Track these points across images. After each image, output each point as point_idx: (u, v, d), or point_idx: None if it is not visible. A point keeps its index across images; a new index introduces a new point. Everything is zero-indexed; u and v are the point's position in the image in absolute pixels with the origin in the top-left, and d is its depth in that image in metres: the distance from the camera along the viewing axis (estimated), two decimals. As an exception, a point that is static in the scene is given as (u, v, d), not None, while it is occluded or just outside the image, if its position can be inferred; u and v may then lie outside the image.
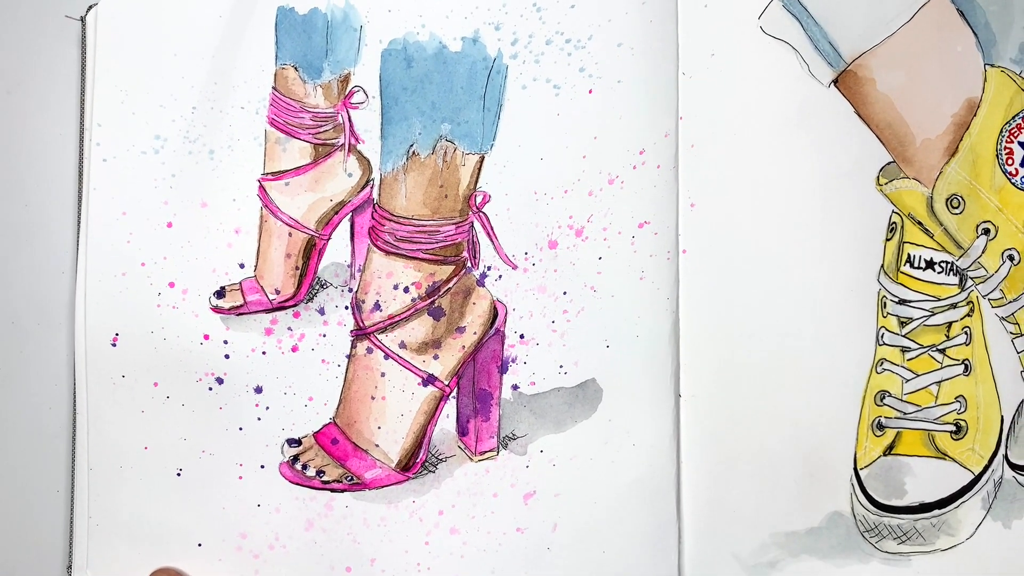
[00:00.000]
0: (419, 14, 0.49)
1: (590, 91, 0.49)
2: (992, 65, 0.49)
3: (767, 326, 0.49)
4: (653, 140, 0.49)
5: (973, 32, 0.49)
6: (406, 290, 0.49)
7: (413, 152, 0.49)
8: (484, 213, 0.49)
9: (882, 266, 0.49)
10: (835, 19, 0.49)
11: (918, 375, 0.49)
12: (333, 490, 0.49)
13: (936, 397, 0.49)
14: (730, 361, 0.49)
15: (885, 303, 0.49)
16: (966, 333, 0.49)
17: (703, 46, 0.49)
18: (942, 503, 0.49)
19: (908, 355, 0.49)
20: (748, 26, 0.49)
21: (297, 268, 0.49)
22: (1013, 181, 0.49)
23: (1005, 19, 0.49)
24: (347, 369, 0.49)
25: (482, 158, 0.49)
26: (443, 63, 0.49)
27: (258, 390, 0.48)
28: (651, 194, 0.49)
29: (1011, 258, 0.49)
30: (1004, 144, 0.49)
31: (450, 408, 0.49)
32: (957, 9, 0.49)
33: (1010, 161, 0.49)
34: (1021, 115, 0.49)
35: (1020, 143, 0.49)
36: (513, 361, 0.49)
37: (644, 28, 0.49)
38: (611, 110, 0.49)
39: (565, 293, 0.49)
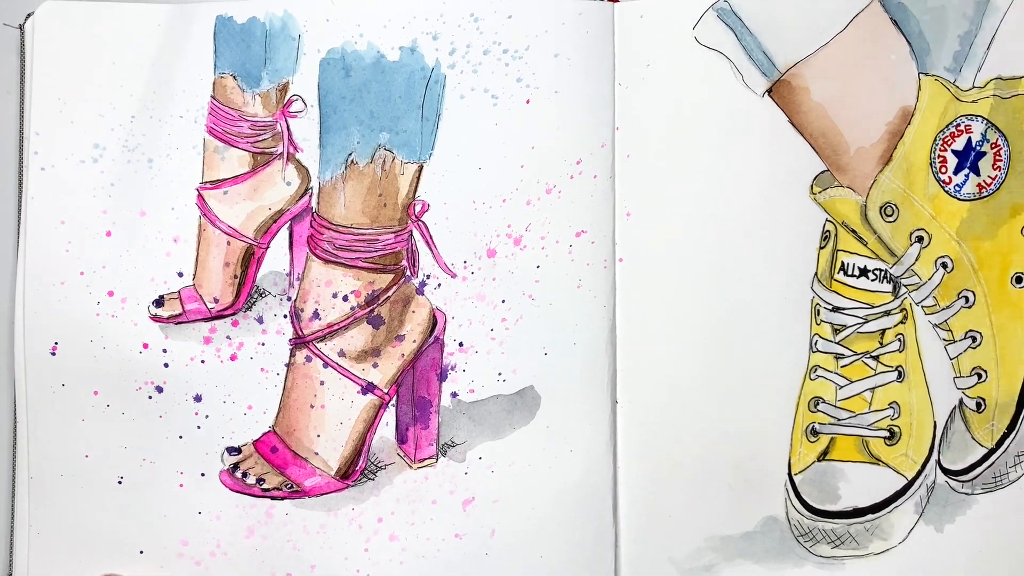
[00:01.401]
0: (357, 23, 0.51)
1: (527, 101, 0.51)
2: (926, 74, 0.51)
3: (702, 333, 0.51)
4: (590, 150, 0.51)
5: (907, 41, 0.51)
6: (345, 299, 0.50)
7: (352, 161, 0.50)
8: (423, 222, 0.50)
9: (816, 274, 0.50)
10: (769, 29, 0.50)
11: (852, 382, 0.51)
12: (273, 498, 0.50)
13: (870, 403, 0.51)
14: (666, 368, 0.51)
15: (819, 311, 0.50)
16: (899, 340, 0.51)
17: (639, 56, 0.51)
18: (875, 508, 0.51)
19: (842, 362, 0.51)
20: (683, 37, 0.51)
21: (236, 277, 0.50)
22: (947, 189, 0.50)
23: (939, 28, 0.51)
24: (286, 377, 0.50)
25: (421, 167, 0.50)
26: (381, 72, 0.50)
27: (197, 398, 0.50)
28: (588, 203, 0.51)
29: (944, 265, 0.50)
30: (938, 152, 0.51)
31: (389, 416, 0.51)
32: (891, 18, 0.51)
33: (944, 169, 0.50)
34: (955, 123, 0.51)
35: (954, 151, 0.51)
36: (452, 369, 0.50)
37: (581, 39, 0.51)
38: (548, 120, 0.51)
39: (504, 301, 0.50)
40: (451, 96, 0.54)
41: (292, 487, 0.53)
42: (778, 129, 0.54)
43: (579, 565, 0.53)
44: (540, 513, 0.53)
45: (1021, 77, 0.54)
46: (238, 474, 0.53)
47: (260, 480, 0.53)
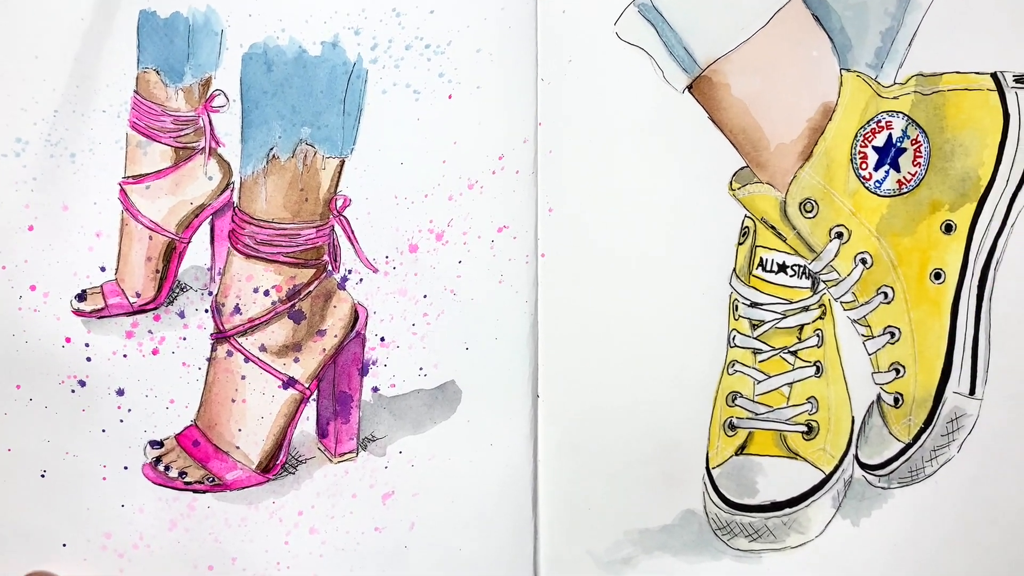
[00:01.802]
0: (279, 19, 0.51)
1: (450, 96, 0.51)
2: (848, 70, 0.52)
3: (623, 328, 0.52)
4: (512, 145, 0.51)
5: (829, 37, 0.51)
6: (266, 293, 0.51)
7: (273, 156, 0.51)
8: (344, 217, 0.51)
9: (734, 269, 0.51)
10: (690, 25, 0.51)
11: (770, 376, 0.51)
12: (195, 491, 0.51)
13: (788, 398, 0.52)
14: (587, 362, 0.52)
15: (737, 306, 0.51)
16: (818, 335, 0.51)
17: (561, 52, 0.51)
18: (793, 502, 0.52)
19: (760, 357, 0.51)
20: (605, 32, 0.51)
21: (158, 271, 0.51)
22: (867, 185, 0.51)
23: (860, 24, 0.51)
24: (208, 372, 0.51)
25: (342, 162, 0.51)
26: (303, 67, 0.51)
27: (120, 392, 0.50)
28: (510, 199, 0.51)
29: (864, 261, 0.51)
30: (859, 148, 0.51)
31: (310, 410, 0.52)
32: (812, 14, 0.51)
33: (864, 165, 0.51)
34: (876, 120, 0.51)
35: (874, 147, 0.51)
36: (373, 364, 0.51)
37: (503, 34, 0.51)
38: (470, 115, 0.51)
39: (425, 296, 0.51)
40: (373, 91, 0.54)
41: (214, 480, 0.54)
42: (698, 125, 0.55)
43: (499, 558, 0.54)
44: (459, 507, 0.54)
45: (942, 74, 0.55)
46: (160, 467, 0.54)
47: (182, 473, 0.54)
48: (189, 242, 0.55)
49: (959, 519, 0.55)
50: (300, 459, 0.55)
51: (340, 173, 0.55)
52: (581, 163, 0.55)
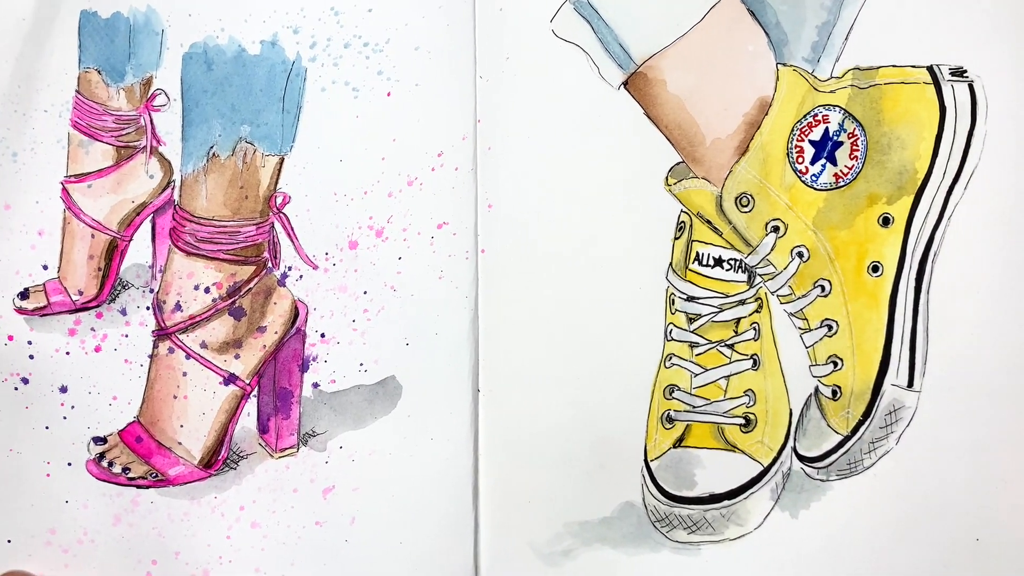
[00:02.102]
0: (218, 18, 0.52)
1: (388, 94, 0.52)
2: (784, 64, 0.52)
3: (562, 323, 0.52)
4: (451, 142, 0.52)
5: (765, 32, 0.52)
6: (207, 290, 0.51)
7: (213, 154, 0.51)
8: (284, 214, 0.52)
9: (671, 264, 0.51)
10: (626, 21, 0.52)
11: (707, 370, 0.52)
12: (139, 486, 0.52)
13: (725, 391, 0.52)
14: (527, 357, 0.52)
15: (674, 300, 0.52)
16: (755, 329, 0.52)
17: (499, 49, 0.52)
18: (731, 494, 0.52)
19: (696, 350, 0.52)
20: (542, 29, 0.52)
21: (100, 269, 0.52)
22: (803, 179, 0.51)
23: (796, 18, 0.52)
24: (150, 369, 0.52)
25: (282, 160, 0.52)
26: (242, 66, 0.52)
27: (63, 390, 0.51)
28: (450, 195, 0.52)
29: (800, 255, 0.51)
30: (795, 142, 0.52)
31: (251, 406, 0.53)
32: (748, 9, 0.52)
33: (800, 159, 0.51)
34: (812, 114, 0.52)
35: (811, 141, 0.52)
36: (314, 360, 0.52)
37: (441, 31, 0.52)
38: (409, 113, 0.52)
39: (365, 292, 0.52)
40: (312, 89, 0.55)
41: (157, 476, 0.55)
42: (635, 121, 0.55)
43: (439, 552, 0.55)
44: (400, 501, 0.55)
45: (879, 67, 0.56)
46: (104, 463, 0.54)
47: (126, 469, 0.54)
48: (131, 240, 0.56)
49: (897, 511, 0.56)
50: (241, 454, 0.56)
51: (280, 171, 0.56)
52: (520, 159, 0.56)
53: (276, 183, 0.56)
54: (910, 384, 0.56)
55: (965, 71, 0.56)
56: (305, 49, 0.56)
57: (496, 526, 0.56)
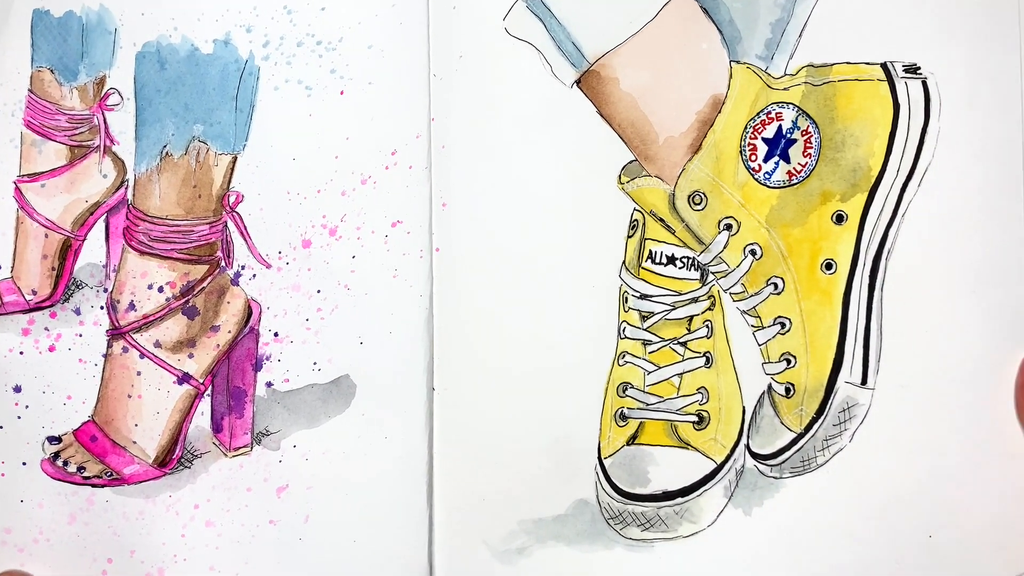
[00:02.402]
0: (171, 17, 0.52)
1: (342, 92, 0.52)
2: (738, 62, 0.52)
3: (517, 321, 0.53)
4: (405, 141, 0.52)
5: (718, 29, 0.52)
6: (160, 290, 0.52)
7: (167, 153, 0.52)
8: (237, 213, 0.52)
9: (624, 262, 0.51)
10: (578, 19, 0.52)
11: (660, 367, 0.52)
12: (94, 485, 0.52)
13: (678, 388, 0.52)
14: (482, 355, 0.53)
15: (627, 298, 0.52)
16: (707, 326, 0.52)
17: (452, 48, 0.52)
18: (685, 491, 0.53)
19: (649, 348, 0.52)
20: (495, 28, 0.52)
21: (53, 269, 0.52)
22: (756, 177, 0.52)
23: (750, 15, 0.52)
24: (104, 368, 0.52)
25: (235, 158, 0.52)
26: (195, 65, 0.52)
27: (17, 389, 0.51)
28: (403, 194, 0.52)
29: (753, 253, 0.52)
30: (748, 140, 0.52)
31: (205, 405, 0.53)
32: (701, 7, 0.52)
33: (753, 157, 0.52)
34: (766, 111, 0.52)
35: (764, 139, 0.52)
36: (267, 359, 0.52)
37: (394, 30, 0.52)
38: (363, 111, 0.52)
39: (319, 291, 0.52)
40: (265, 88, 0.55)
41: (112, 475, 0.55)
42: (587, 119, 0.55)
43: (393, 549, 0.55)
44: (354, 500, 0.55)
45: (833, 64, 0.56)
46: (59, 463, 0.55)
47: (81, 468, 0.55)
48: (84, 239, 0.56)
49: (851, 508, 0.56)
50: (196, 453, 0.56)
51: (232, 169, 0.56)
52: (474, 158, 0.56)
53: (229, 182, 0.56)
54: (864, 382, 0.56)
55: (919, 68, 0.56)
56: (258, 48, 0.56)
57: (451, 524, 0.56)
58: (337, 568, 0.56)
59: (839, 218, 0.56)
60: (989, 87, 0.56)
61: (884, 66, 0.56)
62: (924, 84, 0.56)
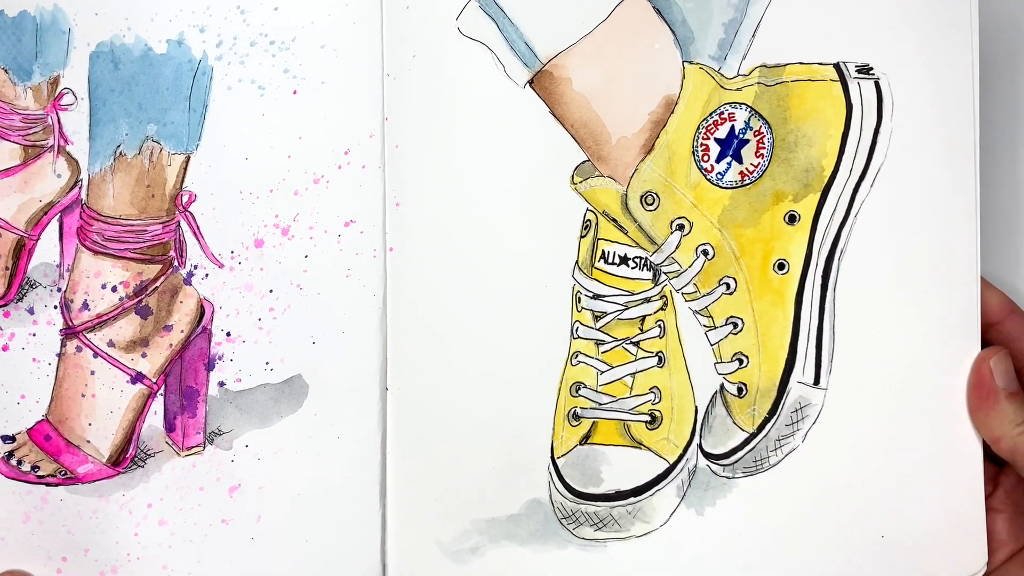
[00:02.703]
0: (125, 17, 0.53)
1: (295, 92, 0.52)
2: (690, 62, 0.52)
3: (471, 321, 0.53)
4: (358, 140, 0.53)
5: (671, 29, 0.52)
6: (114, 289, 0.52)
7: (120, 153, 0.52)
8: (190, 212, 0.52)
9: (577, 262, 0.52)
10: (531, 19, 0.52)
11: (612, 367, 0.53)
12: (48, 484, 0.52)
13: (631, 388, 0.53)
14: (436, 355, 0.53)
15: (580, 298, 0.52)
16: (660, 326, 0.52)
17: (406, 47, 0.52)
18: (637, 491, 0.53)
19: (602, 348, 0.52)
20: (448, 27, 0.53)
21: (7, 268, 0.52)
22: (709, 177, 0.52)
23: (703, 16, 0.52)
24: (58, 367, 0.52)
25: (188, 158, 0.52)
26: (149, 65, 0.52)
27: (-29, 388, 0.52)
28: (357, 193, 0.53)
29: (705, 253, 0.52)
30: (701, 141, 0.52)
31: (158, 405, 0.53)
32: (654, 7, 0.52)
33: (706, 157, 0.52)
34: (718, 111, 0.52)
35: (716, 139, 0.52)
36: (220, 359, 0.52)
37: (347, 30, 0.53)
38: (316, 110, 0.53)
39: (271, 291, 0.52)
40: (218, 87, 0.55)
41: (66, 474, 0.55)
42: (540, 119, 0.55)
43: (347, 550, 0.56)
44: (306, 500, 0.56)
45: (786, 64, 0.56)
46: (13, 462, 0.55)
47: (35, 467, 0.55)
48: (38, 239, 0.57)
49: (803, 508, 0.57)
50: (149, 453, 0.56)
51: (186, 169, 0.56)
52: (427, 157, 0.56)
53: (182, 182, 0.56)
54: (816, 382, 0.57)
55: (871, 68, 0.57)
56: (211, 48, 0.56)
57: (403, 524, 0.57)
58: (289, 568, 0.57)
59: (791, 218, 0.57)
60: (941, 87, 0.56)
61: (837, 66, 0.57)
62: (877, 84, 0.56)
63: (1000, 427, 0.55)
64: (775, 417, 0.57)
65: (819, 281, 0.57)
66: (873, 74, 0.56)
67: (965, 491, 0.57)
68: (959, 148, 0.56)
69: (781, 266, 0.57)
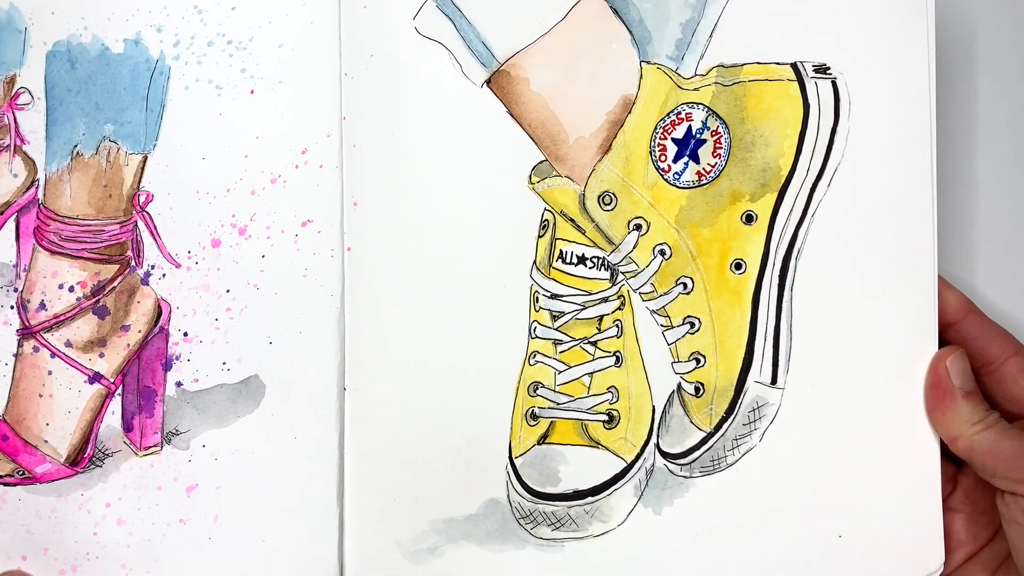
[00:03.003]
0: (82, 16, 0.53)
1: (252, 91, 0.53)
2: (648, 62, 0.52)
3: (429, 321, 0.53)
4: (316, 140, 0.53)
5: (628, 29, 0.52)
6: (71, 289, 0.52)
7: (77, 152, 0.52)
8: (148, 212, 0.52)
9: (534, 262, 0.52)
10: (488, 19, 0.52)
11: (570, 367, 0.53)
12: (6, 484, 0.53)
13: (588, 388, 0.53)
14: (394, 355, 0.54)
15: (537, 298, 0.52)
16: (617, 326, 0.53)
17: (363, 47, 0.52)
18: (595, 491, 0.53)
19: (560, 347, 0.53)
20: (405, 27, 0.53)
21: (-36, 269, 0.52)
22: (666, 177, 0.52)
23: (660, 16, 0.52)
24: (15, 367, 0.53)
25: (145, 158, 0.53)
26: (106, 65, 0.52)
27: (-72, 388, 0.52)
28: (314, 193, 0.53)
29: (662, 253, 0.52)
30: (658, 141, 0.52)
31: (116, 405, 0.53)
32: (611, 7, 0.52)
33: (663, 157, 0.52)
34: (676, 111, 0.52)
35: (674, 139, 0.52)
36: (177, 359, 0.52)
37: (305, 29, 0.53)
38: (273, 110, 0.53)
39: (228, 291, 0.52)
40: (175, 87, 0.56)
41: (24, 474, 0.55)
42: (498, 119, 0.55)
43: (304, 550, 0.56)
44: (264, 500, 0.56)
45: (743, 64, 0.56)
46: (-29, 462, 0.55)
47: (-8, 467, 0.55)
48: (-5, 239, 0.57)
49: (760, 508, 0.57)
50: (107, 452, 0.57)
51: (143, 169, 0.56)
52: (385, 157, 0.56)
53: (139, 181, 0.57)
54: (773, 381, 0.57)
55: (828, 68, 0.57)
56: (168, 47, 0.56)
57: (361, 524, 0.57)
58: (247, 568, 0.57)
59: (748, 218, 0.57)
60: (898, 87, 0.57)
61: (794, 66, 0.57)
62: (834, 84, 0.57)
63: (957, 426, 0.56)
64: (732, 417, 0.57)
65: (776, 281, 0.57)
66: (830, 74, 0.57)
67: (922, 491, 0.57)
68: (916, 148, 0.57)
69: (738, 266, 0.57)
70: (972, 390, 0.56)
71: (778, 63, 0.57)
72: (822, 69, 0.57)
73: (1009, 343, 0.58)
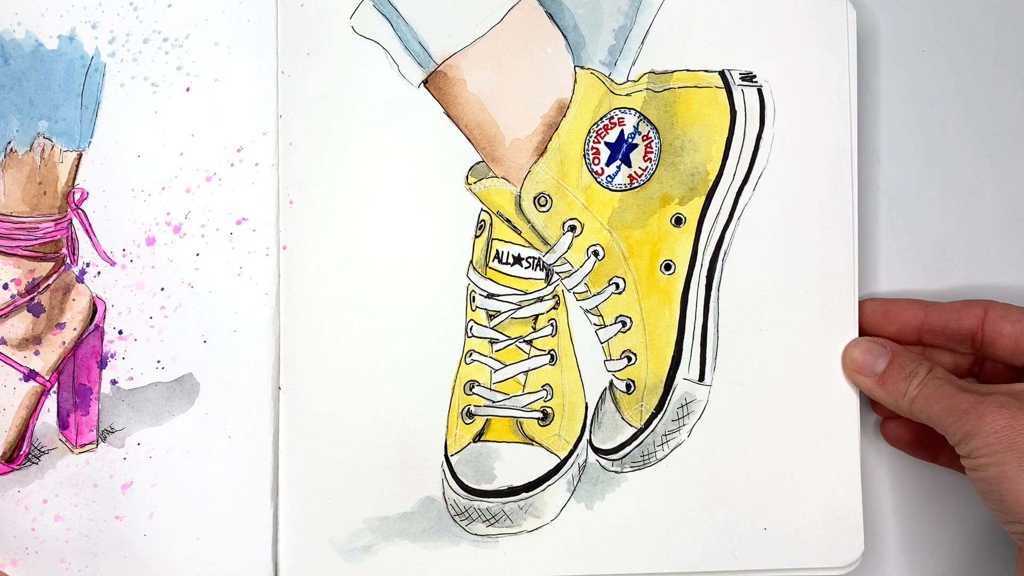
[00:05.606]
0: (15, 12, 0.55)
1: (188, 89, 0.55)
2: (582, 67, 0.56)
3: (364, 320, 0.56)
4: (251, 138, 0.55)
5: (563, 35, 0.56)
6: (5, 287, 0.54)
7: (11, 150, 0.54)
8: (82, 210, 0.55)
9: (471, 262, 0.55)
10: (425, 20, 0.55)
11: (506, 365, 0.56)
12: (-61, 482, 0.55)
13: (524, 386, 0.56)
14: (329, 354, 0.56)
15: (474, 297, 0.56)
16: (552, 325, 0.56)
17: (300, 45, 0.55)
18: (529, 487, 0.56)
19: (496, 346, 0.56)
20: (342, 26, 0.55)
21: None
22: (599, 180, 0.56)
23: (594, 22, 0.56)
24: (-53, 365, 0.54)
25: (80, 155, 0.55)
26: (40, 61, 0.54)
27: None
28: (250, 191, 0.55)
29: (596, 253, 0.55)
30: (591, 144, 0.56)
31: (51, 402, 0.55)
32: (546, 12, 0.56)
33: (596, 161, 0.56)
34: (609, 116, 0.56)
35: (607, 143, 0.56)
36: (112, 357, 0.55)
37: (242, 27, 0.55)
38: (209, 108, 0.55)
39: (163, 289, 0.55)
40: (111, 84, 0.58)
41: (-44, 471, 0.57)
42: (435, 119, 0.59)
43: (238, 548, 0.59)
44: (198, 498, 0.59)
45: (674, 71, 0.60)
46: (-99, 460, 0.57)
47: (-76, 465, 0.57)
48: (-75, 236, 0.59)
49: (689, 501, 0.61)
50: (43, 450, 0.59)
51: (78, 166, 0.59)
52: (322, 155, 0.59)
53: (74, 179, 0.59)
54: (701, 378, 0.61)
55: (755, 76, 0.61)
56: (104, 44, 0.59)
57: (296, 523, 0.60)
58: (181, 565, 0.60)
59: (678, 220, 0.61)
60: (820, 95, 0.61)
61: (722, 74, 0.61)
62: (759, 92, 0.61)
63: (893, 397, 0.58)
64: (662, 413, 0.61)
65: (704, 281, 0.61)
66: (756, 82, 0.61)
67: (843, 485, 0.62)
68: (837, 153, 0.61)
69: (668, 267, 0.61)
70: (886, 365, 0.59)
71: (707, 71, 0.61)
72: (748, 77, 0.61)
73: (975, 306, 0.62)
